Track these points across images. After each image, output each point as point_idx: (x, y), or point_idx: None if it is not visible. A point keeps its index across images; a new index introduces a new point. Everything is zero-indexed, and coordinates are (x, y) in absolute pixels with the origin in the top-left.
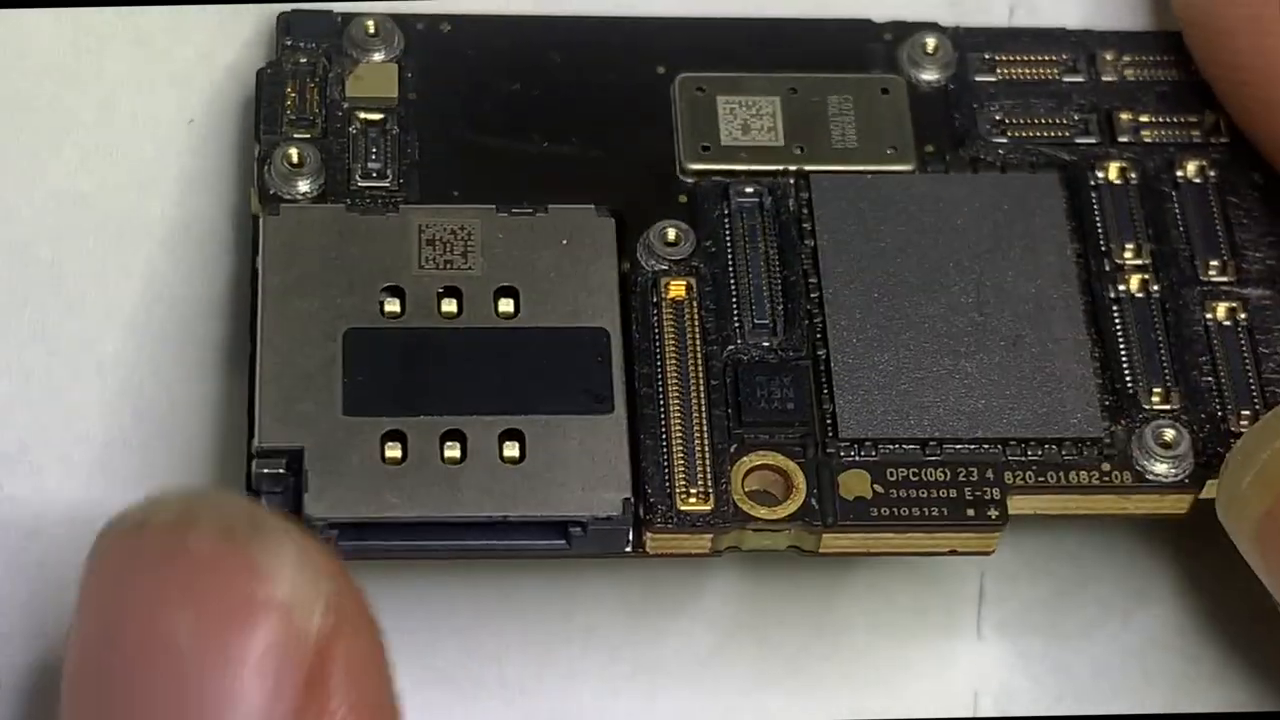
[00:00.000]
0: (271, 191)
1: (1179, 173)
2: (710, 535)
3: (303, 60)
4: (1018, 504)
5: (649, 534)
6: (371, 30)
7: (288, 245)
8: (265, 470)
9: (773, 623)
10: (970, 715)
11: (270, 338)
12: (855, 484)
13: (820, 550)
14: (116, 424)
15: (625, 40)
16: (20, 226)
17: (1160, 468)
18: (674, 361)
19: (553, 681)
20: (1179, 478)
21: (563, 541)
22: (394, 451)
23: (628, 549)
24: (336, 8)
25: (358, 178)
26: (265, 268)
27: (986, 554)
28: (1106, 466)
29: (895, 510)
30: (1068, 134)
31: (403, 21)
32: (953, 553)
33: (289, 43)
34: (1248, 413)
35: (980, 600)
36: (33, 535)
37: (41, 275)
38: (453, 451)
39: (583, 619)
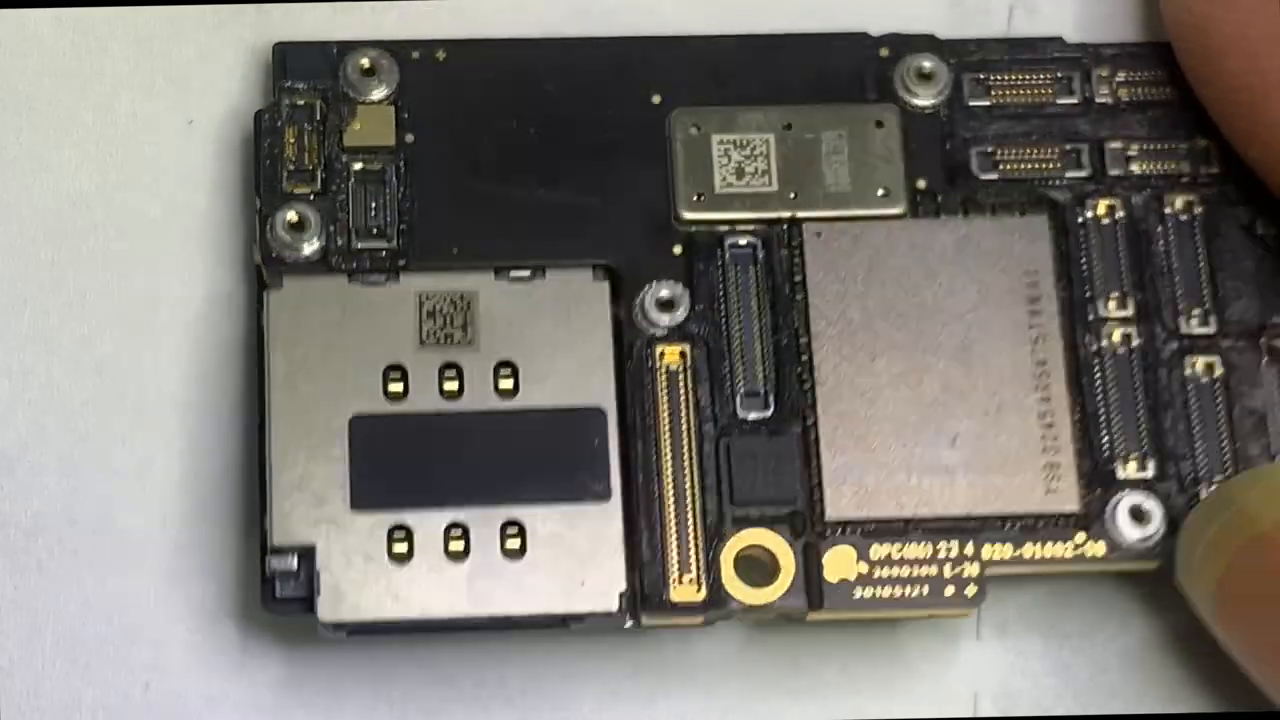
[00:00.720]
0: (274, 254)
1: (1167, 209)
2: (701, 616)
3: (300, 103)
4: (992, 569)
5: (644, 615)
6: (367, 66)
7: (291, 322)
8: (279, 566)
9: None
10: (970, 716)
11: (279, 429)
12: (840, 564)
13: (807, 620)
14: (117, 424)
15: (621, 65)
16: (20, 226)
17: (1133, 536)
18: (669, 441)
19: (553, 683)
20: (1149, 544)
21: (563, 623)
22: (400, 547)
23: (625, 626)
24: (332, 14)
25: (357, 241)
26: (271, 348)
27: (965, 617)
28: (1081, 538)
29: (877, 592)
30: (1058, 165)
31: (398, 53)
32: (931, 617)
33: (286, 84)
34: (1219, 478)
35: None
36: (32, 535)
37: (42, 275)
38: (457, 545)
39: None
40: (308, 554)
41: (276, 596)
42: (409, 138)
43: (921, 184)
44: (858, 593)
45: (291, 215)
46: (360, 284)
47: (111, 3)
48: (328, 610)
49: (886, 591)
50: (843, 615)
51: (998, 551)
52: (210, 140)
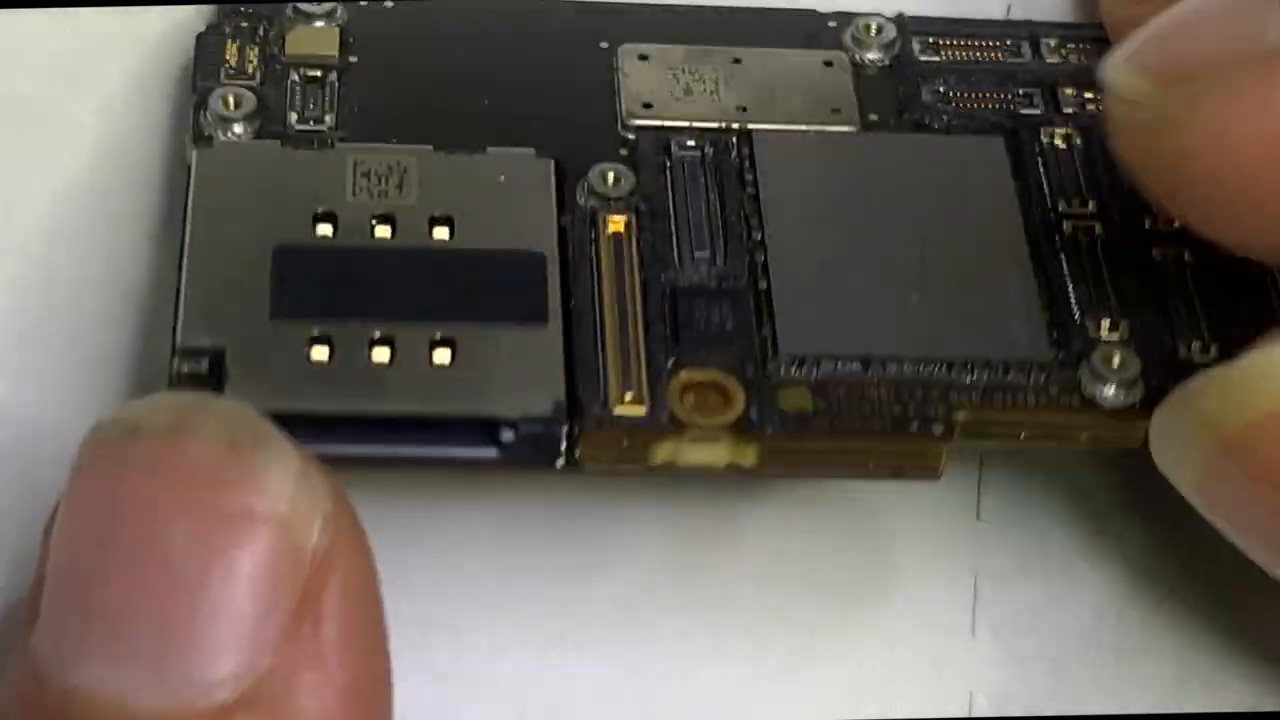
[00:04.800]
0: (207, 134)
1: None
2: (645, 444)
3: (243, 24)
4: (964, 427)
5: (582, 438)
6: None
7: (220, 177)
8: (186, 369)
9: (767, 624)
10: (966, 715)
11: (197, 248)
12: (796, 398)
13: (758, 468)
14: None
15: (570, 21)
16: (19, 228)
17: (1109, 391)
18: (611, 285)
19: (549, 682)
20: (1130, 403)
21: (493, 450)
22: (320, 354)
23: (560, 461)
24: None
25: (294, 123)
26: (195, 195)
27: (933, 477)
28: (1054, 390)
29: (835, 422)
30: (1012, 106)
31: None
32: (898, 474)
33: (229, 9)
34: (1197, 343)
35: (974, 601)
36: (28, 534)
37: (40, 277)
38: (381, 356)
39: (579, 619)
40: (218, 357)
41: None
42: (352, 58)
43: (874, 116)
44: (815, 423)
45: (228, 97)
46: (293, 147)
47: (110, 3)
48: (235, 399)
49: (846, 423)
50: (799, 454)
51: (966, 398)
52: None
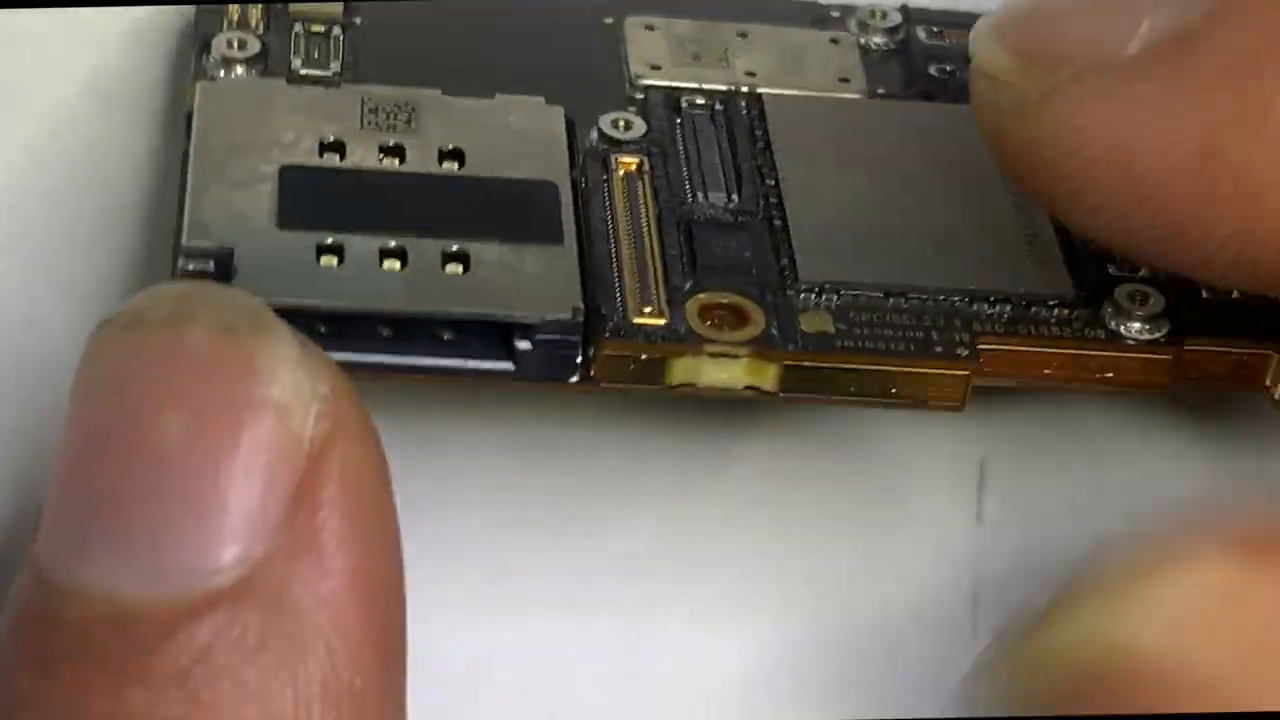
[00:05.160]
0: (210, 76)
1: None
2: (663, 359)
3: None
4: (988, 358)
5: (600, 349)
6: None
7: (224, 103)
8: (191, 268)
9: (766, 624)
10: (968, 715)
11: (201, 165)
12: (816, 321)
13: (778, 391)
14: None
15: (574, 5)
16: (16, 223)
17: (1134, 326)
18: (626, 214)
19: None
20: (1156, 338)
21: (508, 363)
22: (329, 261)
23: (575, 376)
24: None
25: (299, 67)
26: (199, 117)
27: (956, 408)
28: (1078, 324)
29: (859, 343)
30: None
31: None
32: (921, 403)
33: None
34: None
35: (975, 602)
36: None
37: (38, 270)
38: (392, 264)
39: (580, 620)
40: (224, 257)
41: None
42: (358, 19)
43: (881, 90)
44: (838, 343)
45: (231, 38)
46: (299, 85)
47: (108, 1)
48: None
49: (870, 345)
50: (821, 377)
51: (989, 327)
52: None
